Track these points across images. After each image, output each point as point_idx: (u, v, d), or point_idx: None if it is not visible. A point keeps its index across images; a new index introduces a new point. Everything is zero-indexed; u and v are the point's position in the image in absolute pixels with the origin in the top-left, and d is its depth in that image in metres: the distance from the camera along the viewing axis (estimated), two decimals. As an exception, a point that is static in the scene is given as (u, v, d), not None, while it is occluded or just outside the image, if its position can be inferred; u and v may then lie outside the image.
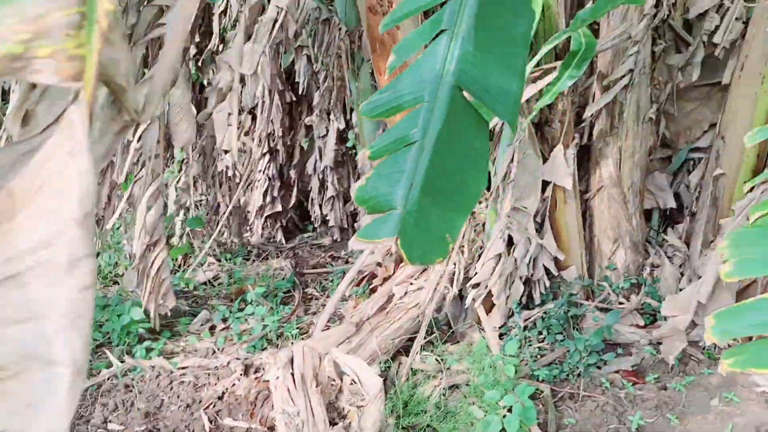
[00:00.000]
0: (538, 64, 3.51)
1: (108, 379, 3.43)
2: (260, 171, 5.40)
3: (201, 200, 5.52)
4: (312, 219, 5.61)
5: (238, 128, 5.15)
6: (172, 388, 3.45)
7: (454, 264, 3.79)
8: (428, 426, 3.15)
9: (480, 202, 3.96)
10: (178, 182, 5.12)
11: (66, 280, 0.70)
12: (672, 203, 4.52)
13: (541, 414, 3.28)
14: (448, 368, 3.52)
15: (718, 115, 4.20)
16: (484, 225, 3.98)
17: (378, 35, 3.75)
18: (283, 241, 5.57)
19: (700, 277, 3.65)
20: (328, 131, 5.12)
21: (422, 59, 1.44)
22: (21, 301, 0.76)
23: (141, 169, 3.50)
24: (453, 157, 1.41)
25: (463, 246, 3.85)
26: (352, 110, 4.69)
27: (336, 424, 2.98)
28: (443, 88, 1.38)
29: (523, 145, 3.66)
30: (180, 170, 5.16)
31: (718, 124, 4.18)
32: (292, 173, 5.55)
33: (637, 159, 4.15)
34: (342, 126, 4.90)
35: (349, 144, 4.99)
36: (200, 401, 3.34)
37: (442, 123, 1.37)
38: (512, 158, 3.53)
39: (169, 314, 3.92)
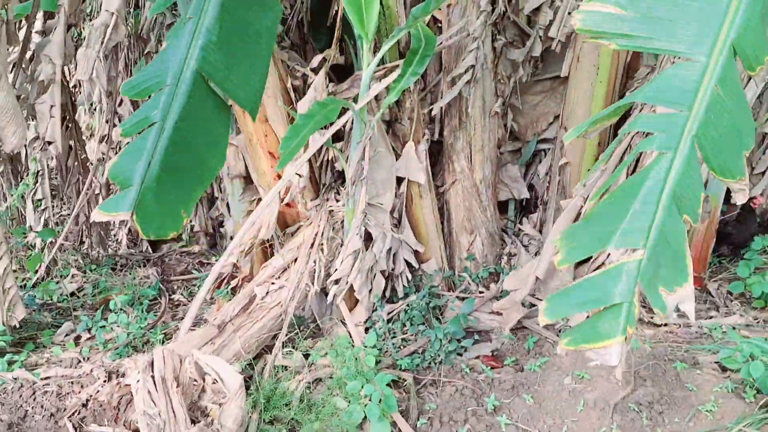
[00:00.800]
0: (382, 62, 3.68)
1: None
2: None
3: (64, 212, 5.31)
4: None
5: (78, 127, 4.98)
6: (35, 399, 3.33)
7: (315, 261, 3.89)
8: (292, 419, 3.23)
9: (337, 200, 4.09)
10: (34, 194, 4.90)
11: None
12: (526, 194, 4.85)
13: (404, 401, 3.44)
14: (312, 363, 3.62)
15: (561, 106, 4.55)
16: (342, 222, 4.11)
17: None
18: (150, 250, 5.46)
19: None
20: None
21: (170, 44, 1.54)
22: None
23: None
24: (193, 137, 1.52)
25: (322, 244, 3.96)
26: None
27: (198, 422, 2.99)
28: (186, 74, 1.48)
29: (375, 143, 3.82)
30: (36, 182, 4.93)
31: (560, 115, 4.53)
32: None
33: (487, 152, 4.40)
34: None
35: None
36: (65, 409, 3.26)
37: (182, 106, 1.47)
38: (363, 155, 3.68)
39: (18, 326, 3.78)
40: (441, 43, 3.97)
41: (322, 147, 3.96)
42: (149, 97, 1.84)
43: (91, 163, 5.01)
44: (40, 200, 4.93)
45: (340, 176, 4.15)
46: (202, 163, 1.45)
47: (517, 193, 4.89)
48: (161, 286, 4.66)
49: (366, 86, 3.57)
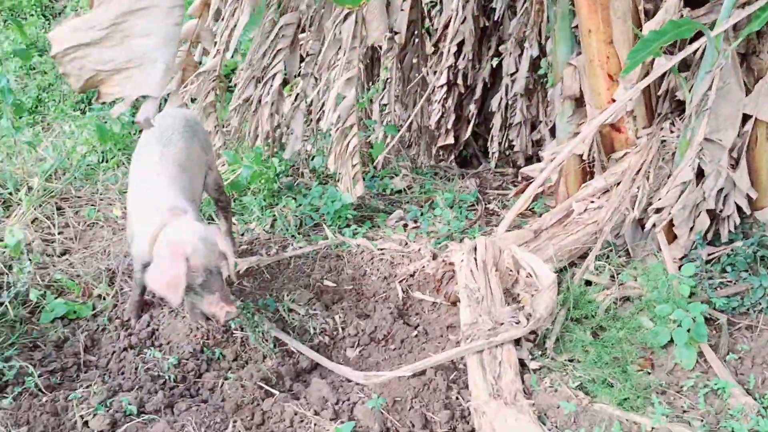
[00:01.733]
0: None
1: (324, 248, 4.12)
2: (437, 101, 5.61)
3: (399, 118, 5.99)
4: (489, 155, 5.83)
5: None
6: (373, 263, 4.06)
7: (638, 188, 3.92)
8: (597, 325, 3.41)
9: (672, 131, 4.01)
10: (381, 99, 5.72)
11: (167, 18, 1.61)
12: None
13: (713, 338, 3.38)
14: (621, 283, 3.72)
15: None
16: (673, 154, 4.03)
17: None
18: (465, 168, 5.97)
19: None
20: (519, 62, 5.33)
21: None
22: (144, 24, 1.80)
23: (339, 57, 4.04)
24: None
25: (649, 172, 3.95)
26: (547, 37, 4.85)
27: (510, 305, 3.36)
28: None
29: (725, 74, 3.64)
30: (384, 88, 5.73)
31: None
32: (472, 107, 5.77)
33: None
34: (536, 54, 5.07)
35: (540, 72, 5.17)
36: (395, 276, 3.92)
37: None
38: (710, 86, 3.55)
39: (358, 203, 4.58)
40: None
41: (663, 75, 3.91)
42: None
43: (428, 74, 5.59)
44: (385, 105, 5.72)
45: (678, 106, 4.04)
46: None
47: None
48: (479, 195, 5.12)
49: (727, 12, 3.41)
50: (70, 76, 1.85)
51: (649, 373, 3.19)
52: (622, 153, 4.11)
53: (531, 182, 4.50)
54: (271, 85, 4.46)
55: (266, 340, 3.27)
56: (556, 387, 2.96)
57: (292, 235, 4.34)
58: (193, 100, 4.90)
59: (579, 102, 4.34)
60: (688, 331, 3.22)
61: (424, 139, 5.93)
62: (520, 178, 5.25)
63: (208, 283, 2.82)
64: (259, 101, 4.58)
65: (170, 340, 3.31)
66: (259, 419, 2.82)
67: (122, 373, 3.12)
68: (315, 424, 2.74)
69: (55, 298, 3.54)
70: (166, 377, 3.05)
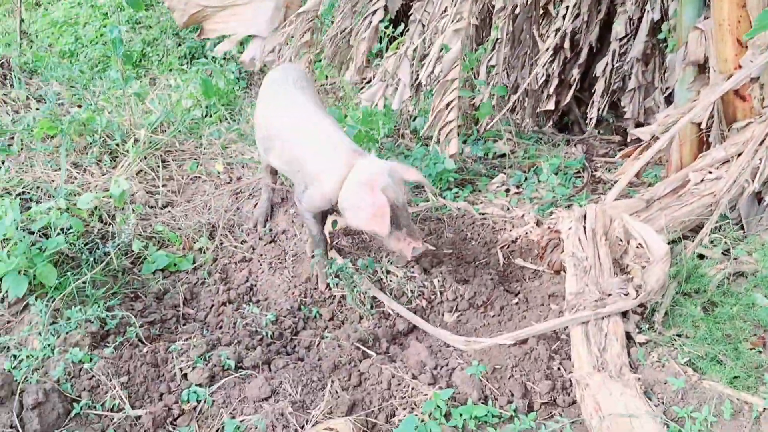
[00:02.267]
0: None
1: (425, 210, 4.16)
2: (542, 65, 5.46)
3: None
4: (588, 119, 5.62)
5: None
6: (474, 227, 4.07)
7: (760, 159, 3.70)
8: (709, 300, 3.30)
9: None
10: (489, 60, 5.62)
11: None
12: None
13: (834, 315, 3.21)
14: (735, 258, 3.57)
15: None
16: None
17: None
18: (571, 134, 5.81)
19: None
20: (631, 25, 5.08)
21: None
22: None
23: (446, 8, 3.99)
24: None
25: (775, 140, 3.72)
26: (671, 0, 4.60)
27: (619, 276, 3.30)
28: None
29: None
30: (493, 49, 5.63)
31: None
32: (575, 71, 5.56)
33: None
34: (657, 17, 4.82)
35: (660, 36, 4.91)
36: (497, 241, 3.91)
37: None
38: None
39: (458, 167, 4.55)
40: None
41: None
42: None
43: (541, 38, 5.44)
44: (493, 66, 5.62)
45: (812, 73, 3.76)
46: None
47: None
48: (585, 162, 4.99)
49: None
50: (174, 11, 1.94)
51: (760, 352, 3.07)
52: (745, 122, 3.88)
53: (639, 146, 4.35)
54: (371, 22, 4.46)
55: (363, 301, 3.37)
56: (663, 362, 2.91)
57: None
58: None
59: (701, 68, 4.11)
60: (806, 312, 3.08)
61: (530, 103, 5.81)
62: (628, 142, 5.03)
63: (396, 218, 2.89)
64: (356, 33, 4.59)
65: (268, 297, 3.47)
66: (356, 380, 2.88)
67: (220, 328, 3.24)
68: (412, 388, 2.80)
69: (157, 249, 3.71)
70: (264, 333, 3.17)
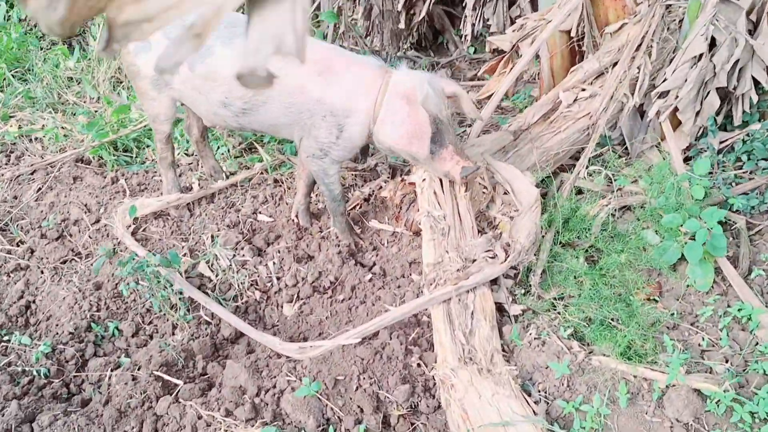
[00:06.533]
0: None
1: (259, 172, 3.37)
2: None
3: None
4: (463, 36, 4.97)
5: None
6: (316, 187, 3.33)
7: (638, 68, 3.15)
8: (591, 246, 2.77)
9: (679, -8, 3.20)
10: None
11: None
12: None
13: (732, 247, 2.78)
14: (619, 189, 3.05)
15: None
16: (681, 22, 3.23)
17: None
18: (435, 55, 5.10)
19: None
20: None
21: None
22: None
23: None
24: None
25: (651, 47, 3.16)
26: None
27: (485, 232, 2.68)
28: None
29: None
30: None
31: None
32: None
33: None
34: None
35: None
36: (347, 201, 3.21)
37: None
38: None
39: None
40: None
41: None
42: None
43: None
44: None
45: (688, -42, 3.20)
46: None
47: None
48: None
49: None
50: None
51: (656, 301, 2.59)
52: (619, 24, 3.31)
53: (503, 58, 3.71)
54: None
55: (176, 306, 2.61)
56: (543, 338, 2.35)
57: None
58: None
59: (563, -37, 3.47)
60: (703, 244, 2.61)
61: (387, 26, 5.02)
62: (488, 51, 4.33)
63: (439, 134, 2.50)
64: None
65: (51, 315, 2.64)
66: (149, 429, 2.14)
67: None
68: (225, 431, 2.09)
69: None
70: (35, 373, 2.36)
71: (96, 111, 4.04)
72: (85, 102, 4.20)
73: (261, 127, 2.71)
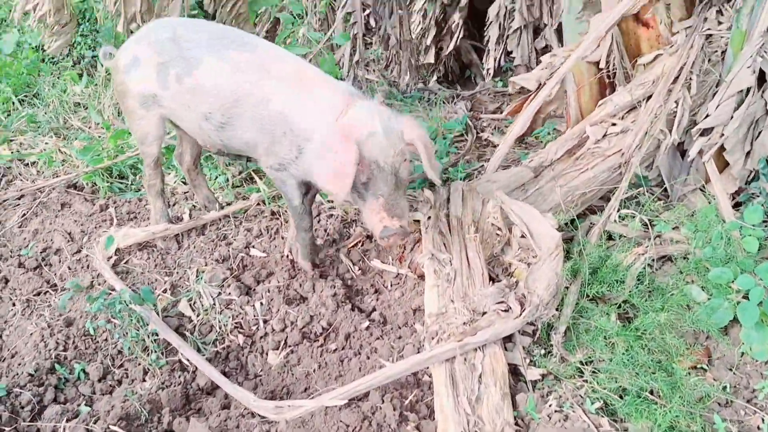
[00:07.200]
0: None
1: (255, 204, 3.12)
2: (417, 11, 4.62)
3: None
4: (486, 70, 4.76)
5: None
6: (320, 220, 3.05)
7: (676, 102, 2.82)
8: (625, 302, 2.40)
9: (720, 22, 2.89)
10: (344, 6, 4.52)
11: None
12: None
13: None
14: (657, 236, 2.69)
15: None
16: (723, 53, 2.91)
17: None
18: (461, 87, 4.86)
19: None
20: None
21: None
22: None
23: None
24: None
25: (690, 79, 2.85)
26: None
27: (498, 280, 2.35)
28: None
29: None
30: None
31: None
32: (456, 16, 4.65)
33: None
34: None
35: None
36: (348, 237, 2.91)
37: None
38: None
39: None
40: None
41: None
42: None
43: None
44: (349, 13, 4.53)
45: (728, -14, 2.90)
46: None
47: None
48: (469, 121, 4.03)
49: None
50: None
51: (704, 371, 2.21)
52: (653, 55, 3.00)
53: (528, 97, 3.43)
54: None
55: (149, 349, 2.31)
56: (566, 411, 1.97)
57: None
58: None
59: (592, -8, 3.20)
60: (759, 304, 2.25)
61: (405, 56, 4.79)
62: (511, 94, 4.07)
63: (373, 182, 2.25)
64: None
65: (17, 352, 2.37)
66: None
67: None
68: None
69: None
70: None
71: (99, 136, 3.86)
72: (90, 127, 4.04)
73: (240, 145, 2.51)
